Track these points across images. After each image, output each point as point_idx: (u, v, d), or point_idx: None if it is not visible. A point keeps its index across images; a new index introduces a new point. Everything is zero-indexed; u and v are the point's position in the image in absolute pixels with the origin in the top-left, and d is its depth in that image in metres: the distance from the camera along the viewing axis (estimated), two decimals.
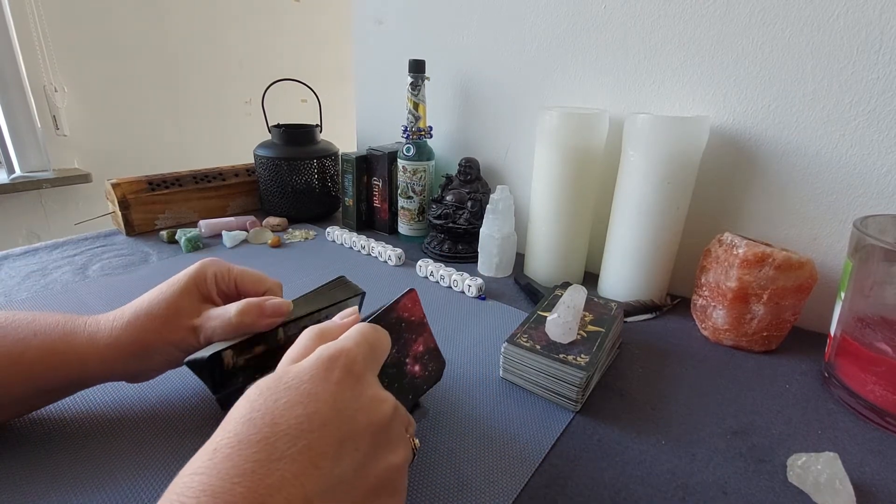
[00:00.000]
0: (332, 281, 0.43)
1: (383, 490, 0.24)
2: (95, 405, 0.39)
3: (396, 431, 0.26)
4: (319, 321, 0.37)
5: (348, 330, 0.28)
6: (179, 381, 0.42)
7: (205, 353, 0.33)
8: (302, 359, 0.25)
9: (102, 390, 0.41)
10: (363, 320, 0.32)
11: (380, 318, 0.33)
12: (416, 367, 0.36)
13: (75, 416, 0.38)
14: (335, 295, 0.41)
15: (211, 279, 0.37)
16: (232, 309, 0.35)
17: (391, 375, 0.34)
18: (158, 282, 0.67)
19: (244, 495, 0.19)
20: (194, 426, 0.38)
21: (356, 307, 0.33)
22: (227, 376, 0.35)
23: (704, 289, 0.55)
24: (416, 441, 0.29)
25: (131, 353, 0.34)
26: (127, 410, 0.39)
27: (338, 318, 0.31)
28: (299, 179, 0.85)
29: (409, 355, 0.35)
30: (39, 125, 1.34)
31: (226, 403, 0.36)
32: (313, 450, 0.21)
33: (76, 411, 0.39)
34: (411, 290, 0.35)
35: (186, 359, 0.34)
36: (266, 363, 0.37)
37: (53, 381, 0.34)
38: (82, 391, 0.38)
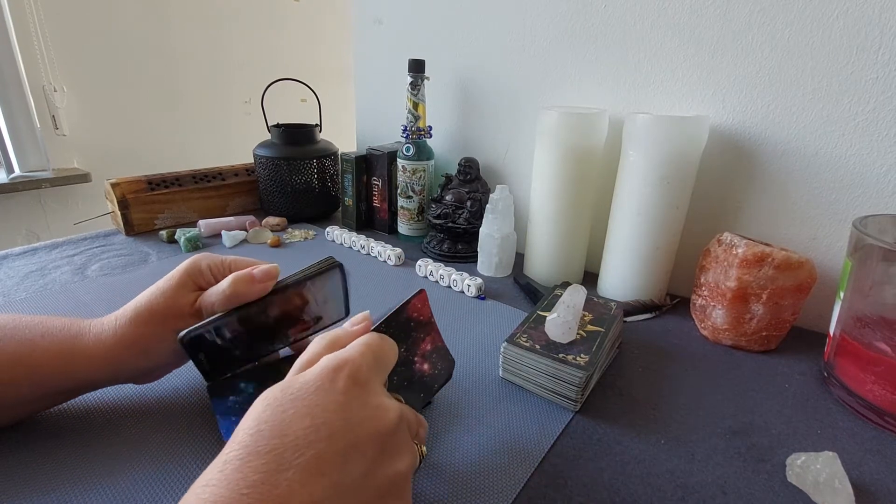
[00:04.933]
0: (321, 261, 0.41)
1: (389, 496, 0.24)
2: (98, 404, 0.39)
3: (402, 438, 0.26)
4: (303, 293, 0.37)
5: (355, 339, 0.28)
6: (181, 382, 0.42)
7: (192, 328, 0.34)
8: (309, 367, 0.26)
9: (105, 390, 0.40)
10: (376, 321, 0.32)
11: (390, 320, 0.33)
12: (426, 366, 0.36)
13: (78, 415, 0.38)
14: (311, 268, 0.39)
15: (206, 270, 0.37)
16: (225, 282, 0.35)
17: (401, 374, 0.34)
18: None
19: None
20: (198, 427, 0.38)
21: (367, 313, 0.33)
22: (219, 355, 0.35)
23: (704, 288, 0.55)
24: (424, 448, 0.29)
25: (137, 349, 0.35)
26: (130, 410, 0.39)
27: (348, 325, 0.31)
28: (299, 179, 0.85)
29: (417, 353, 0.36)
30: (39, 125, 1.34)
31: (216, 394, 0.36)
32: (321, 459, 0.22)
33: (79, 410, 0.39)
34: (421, 291, 0.36)
35: (180, 334, 0.34)
36: (259, 348, 0.37)
37: (60, 383, 0.35)
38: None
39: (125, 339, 0.35)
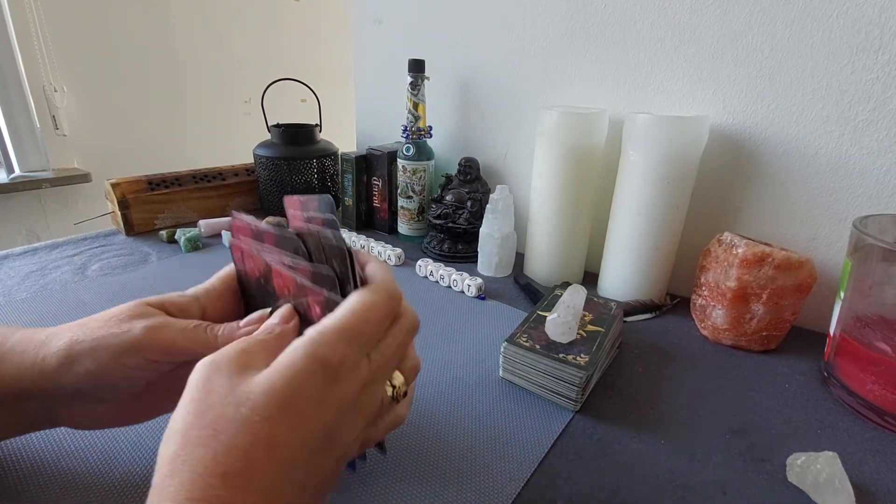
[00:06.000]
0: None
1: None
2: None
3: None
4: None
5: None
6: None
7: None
8: None
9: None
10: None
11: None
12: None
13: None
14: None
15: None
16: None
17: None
18: (158, 281, 0.66)
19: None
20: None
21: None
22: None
23: (704, 288, 0.55)
24: (395, 388, 0.27)
25: (68, 335, 0.28)
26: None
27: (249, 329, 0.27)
28: (299, 179, 0.85)
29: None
30: (39, 125, 1.34)
31: None
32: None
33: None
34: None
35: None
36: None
37: None
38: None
39: (57, 330, 0.28)
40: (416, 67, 0.74)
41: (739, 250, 0.50)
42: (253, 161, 0.89)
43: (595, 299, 0.53)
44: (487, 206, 0.67)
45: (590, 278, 0.68)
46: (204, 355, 0.24)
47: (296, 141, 0.86)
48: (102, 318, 0.29)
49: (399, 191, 0.80)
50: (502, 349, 0.45)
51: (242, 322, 0.28)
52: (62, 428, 0.34)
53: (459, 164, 0.75)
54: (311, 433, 0.22)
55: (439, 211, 0.73)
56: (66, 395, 0.28)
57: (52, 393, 0.28)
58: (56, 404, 0.29)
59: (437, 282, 0.66)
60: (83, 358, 0.27)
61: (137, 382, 0.29)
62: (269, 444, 0.20)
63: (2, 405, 0.28)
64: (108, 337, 0.27)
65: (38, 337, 0.29)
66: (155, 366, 0.28)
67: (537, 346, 0.43)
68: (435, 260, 0.71)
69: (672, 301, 0.62)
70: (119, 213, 0.76)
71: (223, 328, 0.28)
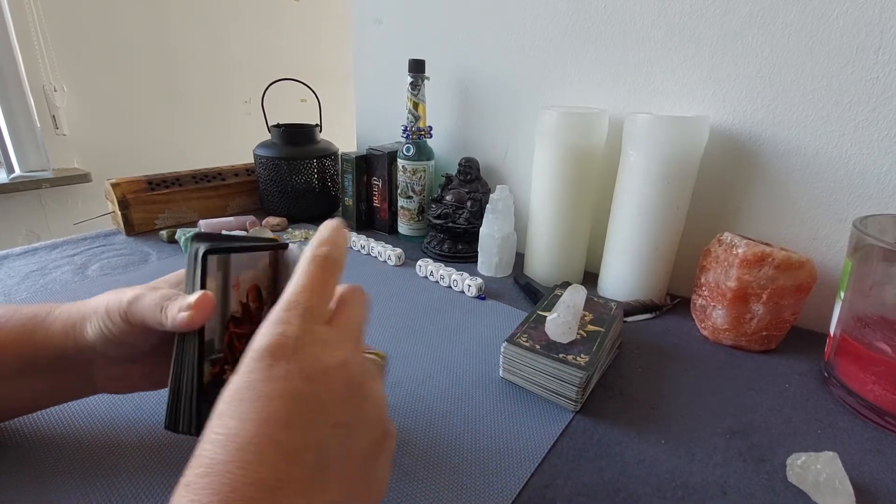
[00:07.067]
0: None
1: (379, 451, 0.24)
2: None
3: (361, 375, 0.23)
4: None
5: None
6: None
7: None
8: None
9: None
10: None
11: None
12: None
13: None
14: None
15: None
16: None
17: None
18: None
19: None
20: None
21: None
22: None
23: (704, 288, 0.55)
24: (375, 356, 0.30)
25: (93, 308, 0.33)
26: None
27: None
28: (299, 179, 0.85)
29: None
30: (39, 125, 1.34)
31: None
32: (291, 455, 0.20)
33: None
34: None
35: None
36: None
37: (36, 351, 0.33)
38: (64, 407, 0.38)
39: (84, 302, 0.33)
40: (416, 67, 0.74)
41: (739, 250, 0.50)
42: (253, 161, 0.89)
43: (595, 299, 0.53)
44: (487, 206, 0.67)
45: (590, 278, 0.68)
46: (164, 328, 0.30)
47: (296, 141, 0.86)
48: (116, 290, 0.34)
49: (399, 191, 0.80)
50: (502, 349, 0.45)
51: (185, 304, 0.30)
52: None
53: (459, 164, 0.75)
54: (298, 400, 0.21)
55: (439, 211, 0.73)
56: (99, 355, 0.33)
57: (89, 354, 0.33)
58: (94, 364, 0.34)
59: (437, 282, 0.66)
60: (95, 319, 0.32)
61: (147, 343, 0.33)
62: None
63: (51, 367, 0.33)
64: (110, 303, 0.32)
65: (76, 306, 0.34)
66: (143, 331, 0.32)
67: (537, 346, 0.43)
68: (435, 260, 0.71)
69: (672, 301, 0.62)
70: (119, 212, 0.76)
71: (172, 308, 0.30)
